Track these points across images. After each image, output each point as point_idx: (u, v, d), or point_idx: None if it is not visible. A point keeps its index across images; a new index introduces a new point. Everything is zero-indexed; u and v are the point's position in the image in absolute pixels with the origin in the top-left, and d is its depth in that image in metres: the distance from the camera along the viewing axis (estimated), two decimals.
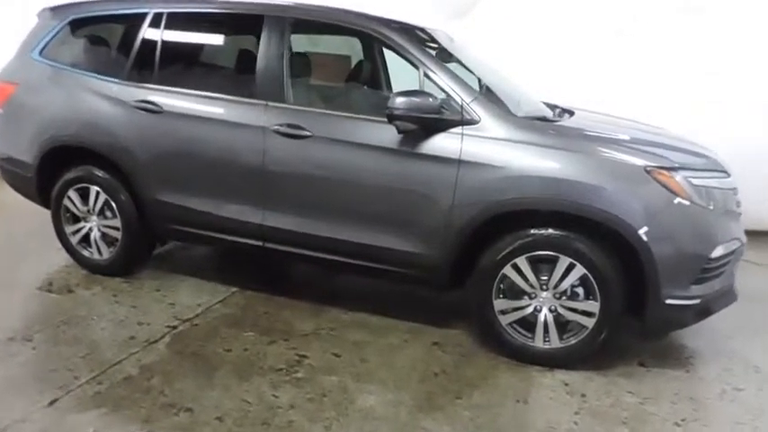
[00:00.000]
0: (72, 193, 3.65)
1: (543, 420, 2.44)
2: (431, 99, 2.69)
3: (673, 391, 2.69)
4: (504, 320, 2.84)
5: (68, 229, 3.74)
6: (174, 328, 3.11)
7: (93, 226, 3.68)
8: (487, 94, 2.92)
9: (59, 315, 3.19)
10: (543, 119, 2.98)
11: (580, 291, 2.73)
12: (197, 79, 3.35)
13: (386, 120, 2.78)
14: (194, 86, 3.28)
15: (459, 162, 2.72)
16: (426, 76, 2.84)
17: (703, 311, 2.69)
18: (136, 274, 3.75)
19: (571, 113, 3.27)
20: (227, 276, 3.78)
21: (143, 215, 3.51)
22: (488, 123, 2.73)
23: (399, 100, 2.65)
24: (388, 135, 2.84)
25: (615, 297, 2.64)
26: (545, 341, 2.80)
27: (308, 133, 2.96)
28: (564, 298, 2.74)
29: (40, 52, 3.70)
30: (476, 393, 2.61)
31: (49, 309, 3.26)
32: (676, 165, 2.61)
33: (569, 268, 2.67)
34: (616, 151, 2.64)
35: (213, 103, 3.21)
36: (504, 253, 2.75)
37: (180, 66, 3.40)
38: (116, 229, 3.60)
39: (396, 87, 4.02)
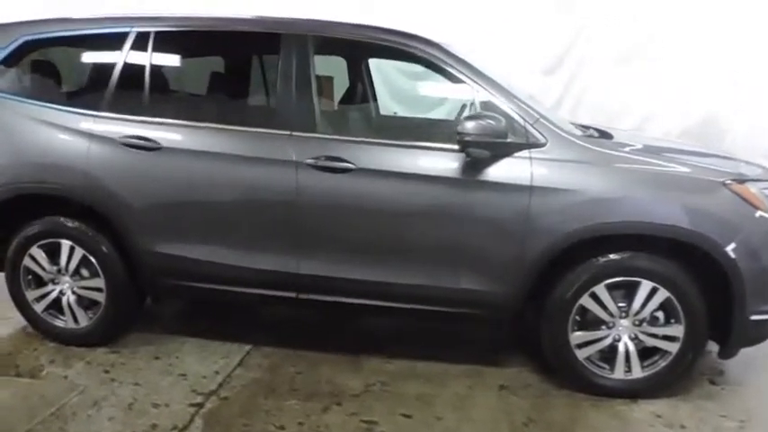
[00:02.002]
0: (35, 251, 2.98)
1: None
2: (500, 122, 2.44)
3: (760, 409, 2.62)
4: (582, 354, 2.64)
5: (30, 294, 3.05)
6: (200, 405, 2.59)
7: (64, 288, 3.02)
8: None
9: (45, 407, 2.53)
10: (608, 136, 2.84)
11: (660, 315, 2.59)
12: (199, 109, 2.88)
13: (440, 146, 2.50)
14: (197, 118, 2.80)
15: (530, 188, 2.49)
16: (483, 97, 2.59)
17: None
18: (121, 341, 3.13)
19: (604, 132, 3.16)
20: (232, 332, 3.27)
21: (135, 271, 2.93)
22: (556, 145, 2.53)
23: (470, 125, 2.39)
24: (445, 163, 2.56)
25: (700, 319, 2.54)
26: (626, 372, 2.63)
27: (351, 166, 2.60)
28: (645, 324, 2.59)
29: None
30: None
31: (29, 400, 2.59)
32: (750, 177, 2.56)
33: (652, 293, 2.53)
34: (690, 167, 2.56)
35: (224, 135, 2.74)
36: (582, 282, 2.55)
37: (176, 94, 2.91)
38: (97, 289, 2.98)
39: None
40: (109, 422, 2.45)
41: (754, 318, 2.51)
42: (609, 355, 2.65)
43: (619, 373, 2.64)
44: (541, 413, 2.57)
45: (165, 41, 2.86)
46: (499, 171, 2.51)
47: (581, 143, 2.57)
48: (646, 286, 2.53)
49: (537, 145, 2.52)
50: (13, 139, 2.90)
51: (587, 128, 3.21)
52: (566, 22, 5.14)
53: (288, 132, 2.65)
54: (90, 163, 2.79)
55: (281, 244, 2.73)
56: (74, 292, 3.02)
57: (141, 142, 2.76)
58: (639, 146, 2.80)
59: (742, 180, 2.52)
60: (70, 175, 2.82)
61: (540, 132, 2.54)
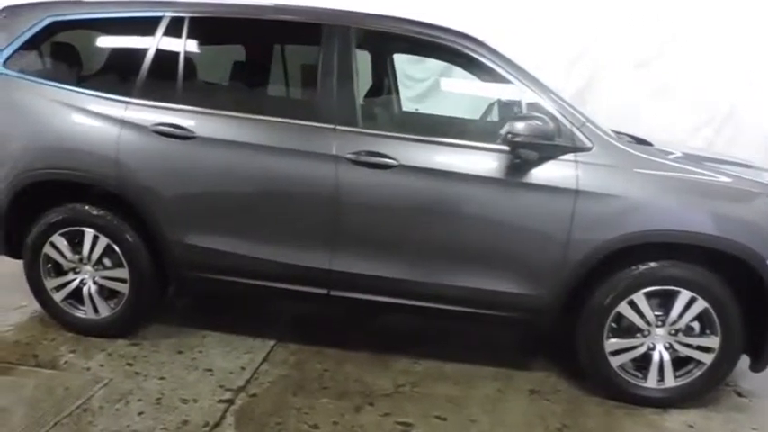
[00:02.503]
0: (57, 239, 2.89)
1: None
2: (549, 124, 2.41)
3: None
4: (615, 362, 2.63)
5: (50, 283, 2.96)
6: (230, 402, 2.53)
7: (86, 278, 2.94)
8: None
9: (71, 399, 2.47)
10: (645, 143, 2.82)
11: (695, 325, 2.59)
12: (235, 98, 2.80)
13: (485, 146, 2.48)
14: (233, 107, 2.72)
15: (576, 192, 2.47)
16: (529, 98, 2.55)
17: None
18: (141, 333, 3.06)
19: (640, 139, 3.14)
20: (254, 326, 3.22)
21: (162, 262, 2.86)
22: (602, 150, 2.51)
23: (521, 125, 2.35)
24: (489, 163, 2.52)
25: (736, 330, 2.53)
26: (658, 381, 2.63)
27: (393, 162, 2.55)
28: (680, 334, 2.58)
29: (4, 63, 2.89)
30: None
31: (53, 392, 2.52)
32: None
33: (690, 302, 2.52)
34: (731, 177, 2.56)
35: (261, 127, 2.68)
36: (621, 289, 2.54)
37: (211, 82, 2.82)
38: (120, 280, 2.90)
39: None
40: (139, 417, 2.39)
41: None
42: (642, 363, 2.64)
43: (652, 381, 2.63)
44: (575, 419, 2.56)
45: (201, 28, 2.78)
46: (545, 173, 2.49)
47: (627, 149, 2.55)
48: (684, 296, 2.52)
49: (583, 149, 2.50)
50: (36, 123, 2.81)
51: (620, 134, 3.20)
52: (584, 22, 5.11)
53: (332, 126, 2.59)
54: (120, 150, 2.71)
55: (316, 239, 2.68)
56: (95, 282, 2.94)
57: (174, 130, 2.68)
58: (680, 154, 2.79)
59: None
60: (99, 162, 2.73)
61: (586, 136, 2.51)
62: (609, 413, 2.62)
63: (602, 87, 5.21)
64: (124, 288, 2.91)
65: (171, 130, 2.68)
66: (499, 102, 3.02)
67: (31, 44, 2.90)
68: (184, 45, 2.75)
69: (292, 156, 2.62)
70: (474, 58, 2.62)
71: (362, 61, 3.48)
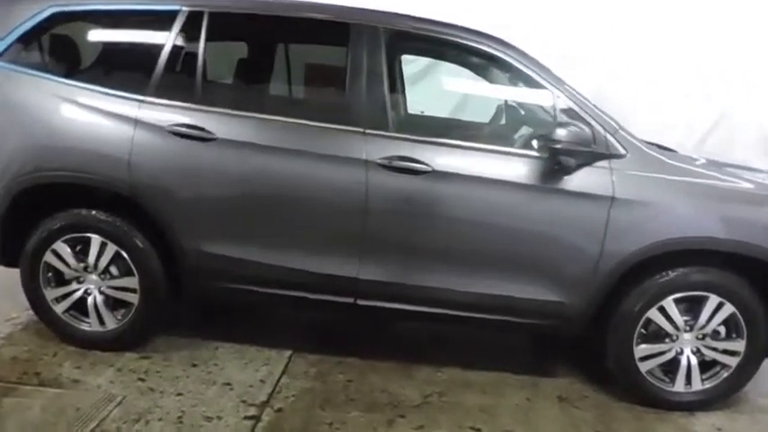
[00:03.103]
0: (60, 246, 2.70)
1: None
2: (586, 130, 2.39)
3: None
4: (644, 367, 2.64)
5: (50, 293, 2.77)
6: (256, 419, 2.41)
7: (91, 288, 2.76)
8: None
9: (84, 421, 2.29)
10: (668, 149, 2.84)
11: (721, 329, 2.62)
12: (259, 99, 2.68)
13: (522, 152, 2.44)
14: (256, 108, 2.60)
15: (612, 199, 2.46)
16: (562, 104, 2.53)
17: None
18: (150, 345, 2.90)
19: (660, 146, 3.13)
20: (267, 336, 3.10)
21: (176, 271, 2.71)
22: (636, 157, 2.51)
23: (563, 132, 2.32)
24: (524, 169, 2.50)
25: (762, 334, 2.58)
26: (686, 385, 2.65)
27: (426, 168, 2.48)
28: (708, 338, 2.61)
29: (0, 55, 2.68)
30: None
31: (64, 413, 2.34)
32: None
33: (718, 307, 2.55)
34: (755, 183, 2.60)
35: (288, 129, 2.57)
36: (651, 295, 2.54)
37: (233, 81, 2.69)
38: (129, 290, 2.74)
39: None
40: None
41: None
42: (670, 368, 2.65)
43: (679, 386, 2.65)
44: (608, 425, 2.55)
45: (223, 24, 2.64)
46: (581, 180, 2.47)
47: (659, 156, 2.56)
48: (713, 301, 2.54)
49: (617, 156, 2.49)
50: (39, 121, 2.62)
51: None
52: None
53: (362, 130, 2.50)
54: (134, 151, 2.55)
55: (344, 247, 2.59)
56: (101, 292, 2.76)
57: (194, 132, 2.54)
58: (704, 161, 2.82)
59: None
60: (110, 164, 2.57)
61: (620, 143, 2.50)
62: (639, 418, 2.63)
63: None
64: (134, 298, 2.74)
65: (190, 131, 2.54)
66: (508, 104, 3.01)
67: (31, 36, 2.71)
68: (204, 41, 2.61)
69: (320, 160, 2.52)
70: (510, 63, 2.58)
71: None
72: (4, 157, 2.62)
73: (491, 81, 2.83)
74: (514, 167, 2.50)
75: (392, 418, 2.48)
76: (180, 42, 2.63)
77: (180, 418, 2.37)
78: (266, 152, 2.54)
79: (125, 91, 2.61)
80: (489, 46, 2.59)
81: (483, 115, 3.22)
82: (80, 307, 2.79)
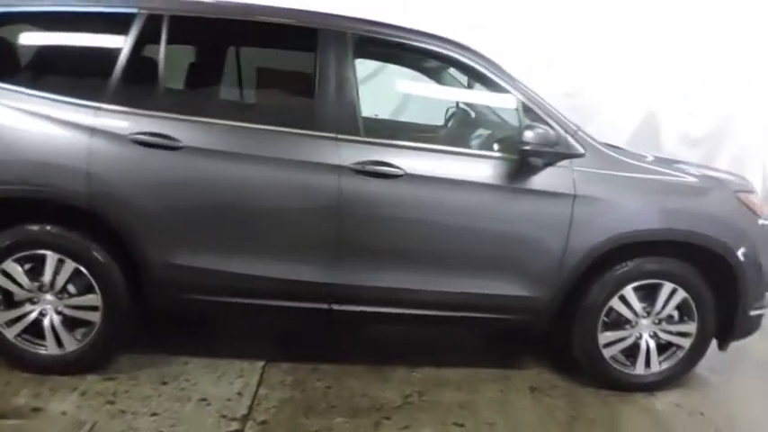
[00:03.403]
0: (10, 266, 2.52)
1: None
2: (551, 132, 2.51)
3: (747, 394, 2.97)
4: (608, 353, 2.81)
5: (1, 316, 2.57)
6: None
7: (46, 308, 2.59)
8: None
9: None
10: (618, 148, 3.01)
11: (675, 314, 2.83)
12: (223, 105, 2.61)
13: (492, 154, 2.54)
14: (222, 115, 2.54)
15: (574, 197, 2.59)
16: (524, 107, 2.64)
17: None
18: (112, 365, 2.75)
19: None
20: (236, 347, 3.04)
21: (143, 285, 2.60)
22: (594, 156, 2.66)
23: (531, 134, 2.43)
24: (492, 170, 2.59)
25: (710, 315, 2.80)
26: (645, 367, 2.84)
27: (399, 172, 2.52)
28: (663, 323, 2.81)
29: None
30: None
31: None
32: (750, 187, 2.88)
33: (672, 293, 2.75)
34: (699, 176, 2.82)
35: (255, 136, 2.52)
36: (612, 285, 2.71)
37: (196, 87, 2.60)
38: (90, 308, 2.59)
39: None
40: None
41: (752, 313, 2.82)
42: (631, 352, 2.83)
43: (640, 368, 2.83)
44: (579, 411, 2.69)
45: (184, 28, 2.56)
46: (546, 180, 2.59)
47: (614, 155, 2.73)
48: (667, 288, 2.74)
49: (577, 155, 2.62)
50: None
51: None
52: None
53: (334, 135, 2.50)
54: (92, 162, 2.42)
55: (318, 252, 2.57)
56: (58, 312, 2.60)
57: (158, 140, 2.44)
58: (652, 157, 3.03)
59: (749, 190, 2.83)
60: (66, 175, 2.42)
61: (579, 143, 2.64)
62: (605, 402, 2.79)
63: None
64: (95, 316, 2.60)
65: (154, 139, 2.44)
66: (472, 108, 3.10)
67: None
68: (164, 46, 2.51)
69: (291, 166, 2.50)
70: (473, 68, 2.66)
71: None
72: None
73: (451, 85, 2.90)
74: (483, 169, 2.58)
75: (378, 421, 2.50)
76: (139, 47, 2.51)
77: None
78: (234, 159, 2.48)
79: (79, 98, 2.47)
80: (451, 50, 2.66)
81: (440, 118, 3.31)
82: (34, 330, 2.61)
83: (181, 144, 2.45)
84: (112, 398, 2.53)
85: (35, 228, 2.51)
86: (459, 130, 3.20)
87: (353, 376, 2.85)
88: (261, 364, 2.90)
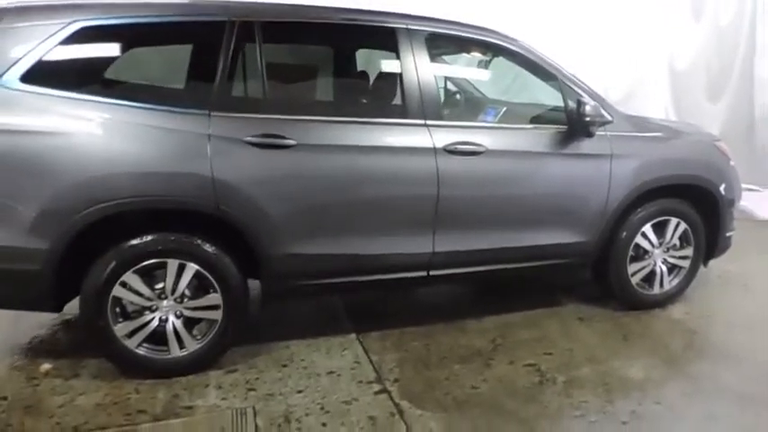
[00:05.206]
0: (130, 278, 2.56)
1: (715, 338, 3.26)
2: (597, 104, 3.05)
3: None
4: (634, 280, 3.48)
5: (121, 329, 2.61)
6: (387, 391, 2.66)
7: (166, 314, 2.67)
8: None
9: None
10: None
11: (677, 242, 3.57)
12: (323, 103, 2.81)
13: (548, 126, 3.04)
14: (328, 112, 2.77)
15: (611, 156, 3.18)
16: (566, 86, 3.16)
17: None
18: (221, 361, 2.86)
19: None
20: (315, 326, 3.27)
21: (261, 278, 2.77)
22: (619, 122, 3.26)
23: (589, 107, 2.94)
24: (551, 140, 3.09)
25: (702, 240, 3.57)
26: (660, 287, 3.56)
27: (481, 149, 2.92)
28: (671, 250, 3.54)
29: (24, 77, 2.39)
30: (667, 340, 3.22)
31: None
32: (718, 137, 3.68)
33: (676, 226, 3.48)
34: (693, 132, 3.57)
35: (359, 129, 2.78)
36: (637, 225, 3.37)
37: (295, 88, 2.77)
38: (212, 307, 2.72)
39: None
40: (324, 427, 2.39)
41: (727, 234, 3.66)
42: (648, 277, 3.53)
43: (656, 289, 3.54)
44: (625, 329, 3.33)
45: (275, 34, 2.70)
46: (591, 144, 3.14)
47: (631, 118, 3.36)
48: (673, 222, 3.46)
49: (608, 122, 3.20)
50: (94, 148, 2.43)
51: None
52: None
53: (423, 122, 2.83)
54: (215, 168, 2.52)
55: (419, 225, 2.91)
56: (178, 315, 2.68)
57: (273, 140, 2.60)
58: (654, 120, 3.72)
59: (719, 139, 3.63)
60: (195, 184, 2.51)
61: (608, 111, 3.22)
62: (639, 320, 3.44)
63: None
64: (216, 314, 2.72)
65: (269, 140, 2.60)
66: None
67: (57, 54, 2.44)
68: (260, 52, 2.64)
69: (393, 152, 2.80)
70: (516, 54, 3.14)
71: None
72: (58, 191, 2.38)
73: (506, 71, 3.35)
74: (543, 140, 3.07)
75: (485, 362, 2.93)
76: (238, 54, 2.62)
77: (322, 408, 2.52)
78: (345, 152, 2.72)
79: (185, 107, 2.54)
80: (505, 41, 3.10)
81: (499, 100, 3.75)
82: (153, 337, 2.67)
83: (293, 142, 2.63)
84: (250, 386, 2.69)
85: (157, 237, 2.56)
86: (517, 109, 3.67)
87: (439, 333, 3.24)
88: (352, 336, 3.19)
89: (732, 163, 3.62)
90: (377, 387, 2.70)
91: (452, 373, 2.82)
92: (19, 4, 2.46)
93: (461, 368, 2.88)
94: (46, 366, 2.79)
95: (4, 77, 2.37)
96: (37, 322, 3.27)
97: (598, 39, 6.04)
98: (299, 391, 2.65)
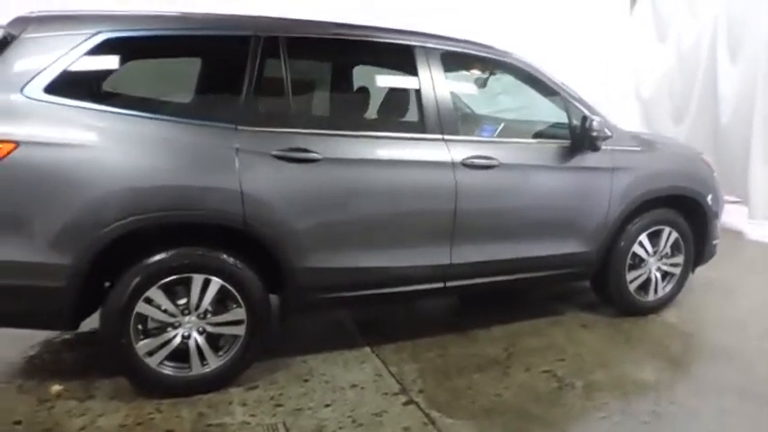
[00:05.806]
0: (154, 293, 2.51)
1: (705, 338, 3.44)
2: (602, 120, 3.21)
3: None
4: (632, 287, 3.64)
5: (143, 347, 2.54)
6: (414, 402, 2.69)
7: (189, 330, 2.62)
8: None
9: None
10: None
11: (669, 250, 3.76)
12: (348, 119, 2.85)
13: (556, 142, 3.18)
14: (345, 126, 2.80)
15: (612, 170, 3.35)
16: (569, 103, 3.31)
17: None
18: (240, 378, 2.82)
19: None
20: (327, 341, 3.26)
21: (286, 293, 2.75)
22: (618, 137, 3.43)
23: (596, 123, 3.09)
24: (559, 154, 3.22)
25: (691, 248, 3.78)
26: (654, 294, 3.73)
27: (496, 162, 3.02)
28: (664, 258, 3.73)
29: (48, 88, 2.34)
30: (667, 343, 3.37)
31: None
32: (701, 150, 3.92)
33: (669, 235, 3.67)
34: (681, 146, 3.79)
35: (381, 143, 2.83)
36: (634, 235, 3.54)
37: (318, 103, 2.80)
38: (235, 323, 2.68)
39: None
40: None
41: (714, 242, 3.89)
42: (644, 284, 3.70)
43: (651, 296, 3.71)
44: (626, 334, 3.47)
45: (299, 49, 2.72)
46: (595, 158, 3.29)
47: (627, 133, 3.54)
48: (666, 231, 3.65)
49: (609, 137, 3.36)
50: (121, 160, 2.38)
51: None
52: None
53: (441, 137, 2.91)
54: (243, 181, 2.52)
55: (439, 239, 2.97)
56: (201, 332, 2.64)
57: (300, 154, 2.62)
58: (646, 135, 3.93)
59: (702, 153, 3.87)
60: (226, 198, 2.49)
61: (608, 127, 3.38)
62: (637, 325, 3.59)
63: None
64: (239, 330, 2.69)
65: (296, 154, 2.61)
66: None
67: (81, 65, 2.39)
68: (286, 67, 2.66)
69: (415, 166, 2.86)
70: (522, 72, 3.27)
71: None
72: (85, 205, 2.32)
73: (513, 87, 3.47)
74: (551, 154, 3.20)
75: (503, 371, 3.00)
76: (262, 69, 2.62)
77: (354, 421, 2.52)
78: (367, 166, 2.76)
79: (212, 120, 2.53)
80: (517, 61, 3.23)
81: (505, 115, 3.87)
82: (175, 354, 2.61)
83: (318, 156, 2.65)
84: (276, 401, 2.66)
85: (183, 252, 2.52)
86: (524, 124, 3.79)
87: (450, 343, 3.29)
88: (366, 349, 3.20)
89: (715, 174, 3.86)
90: (403, 398, 2.71)
91: (473, 382, 2.87)
92: (43, 14, 2.40)
93: (481, 377, 2.93)
94: (57, 388, 2.68)
95: (28, 88, 2.31)
96: (35, 342, 3.14)
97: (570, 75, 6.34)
98: (327, 405, 2.64)
